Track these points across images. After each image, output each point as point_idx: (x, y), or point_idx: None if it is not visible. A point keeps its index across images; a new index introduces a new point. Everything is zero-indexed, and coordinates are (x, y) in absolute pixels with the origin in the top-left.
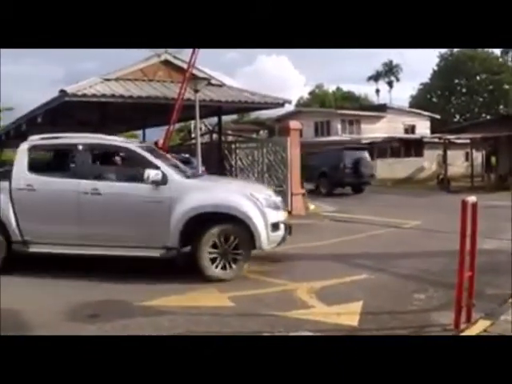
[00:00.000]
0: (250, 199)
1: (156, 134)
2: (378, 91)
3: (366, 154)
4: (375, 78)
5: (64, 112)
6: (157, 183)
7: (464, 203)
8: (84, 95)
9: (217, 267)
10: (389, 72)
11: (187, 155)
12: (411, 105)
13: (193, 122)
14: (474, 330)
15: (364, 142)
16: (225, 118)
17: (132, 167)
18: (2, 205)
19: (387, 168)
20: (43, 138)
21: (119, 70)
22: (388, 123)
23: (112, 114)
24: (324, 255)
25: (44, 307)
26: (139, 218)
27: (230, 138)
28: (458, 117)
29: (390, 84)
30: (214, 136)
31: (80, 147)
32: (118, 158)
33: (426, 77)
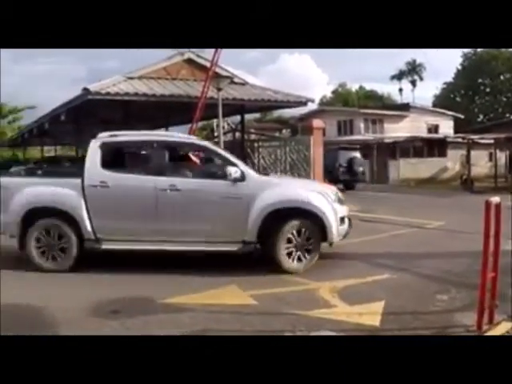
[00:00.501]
0: (322, 195)
1: (179, 132)
2: (401, 90)
3: (358, 154)
4: (398, 76)
5: (87, 110)
6: (236, 180)
7: (487, 204)
8: (107, 93)
9: (293, 260)
10: (412, 71)
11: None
12: (434, 104)
13: (215, 120)
14: (496, 332)
15: (387, 141)
16: (247, 116)
17: (208, 164)
18: (75, 202)
19: (410, 168)
20: (113, 135)
21: (142, 68)
22: (411, 123)
23: (135, 113)
24: (346, 254)
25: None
26: (218, 213)
27: (253, 137)
28: (481, 116)
29: (414, 83)
30: (237, 134)
31: (156, 144)
32: (193, 156)
33: (449, 76)
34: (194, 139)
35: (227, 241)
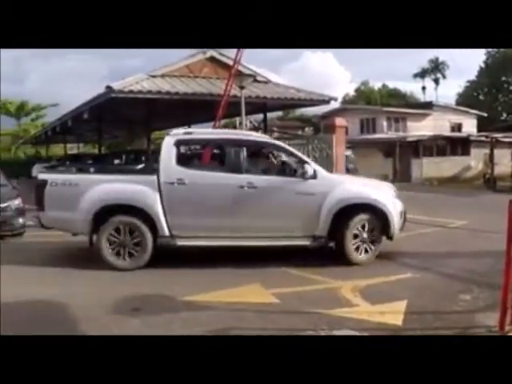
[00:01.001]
0: (384, 191)
1: None
2: (424, 88)
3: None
4: (421, 74)
5: (109, 108)
6: (309, 178)
7: (511, 203)
8: (130, 91)
9: (360, 253)
10: (435, 69)
11: None
12: (458, 102)
13: (238, 118)
14: None
15: (410, 139)
16: (270, 114)
17: (281, 162)
18: (151, 199)
19: (433, 166)
20: (187, 133)
21: (165, 66)
22: (434, 121)
23: (157, 110)
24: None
25: None
26: (291, 210)
27: (276, 135)
28: (505, 115)
29: (436, 81)
30: (260, 133)
31: (231, 142)
32: (266, 154)
33: (472, 74)
34: (266, 138)
35: (299, 236)
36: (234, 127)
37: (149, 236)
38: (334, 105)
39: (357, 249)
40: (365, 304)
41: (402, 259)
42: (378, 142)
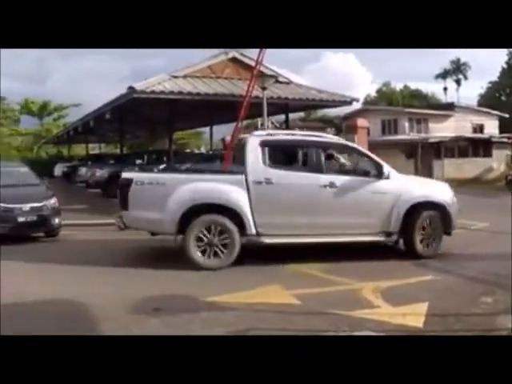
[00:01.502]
0: (446, 190)
1: (222, 131)
2: (445, 89)
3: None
4: (443, 75)
5: (132, 108)
6: (383, 178)
7: None
8: (152, 92)
9: (426, 247)
10: (457, 70)
11: None
12: (479, 103)
13: (259, 119)
14: None
15: (432, 140)
16: (292, 115)
17: (356, 163)
18: (239, 198)
19: (455, 168)
20: (269, 134)
21: (187, 67)
22: (456, 122)
23: (179, 111)
24: (390, 254)
25: None
26: (368, 208)
27: None
28: None
29: (458, 82)
30: None
31: (312, 144)
32: (337, 155)
33: (494, 75)
34: (343, 140)
35: (374, 232)
36: (256, 128)
37: (237, 235)
38: (356, 106)
39: (423, 243)
40: (386, 306)
41: (424, 261)
42: (400, 143)
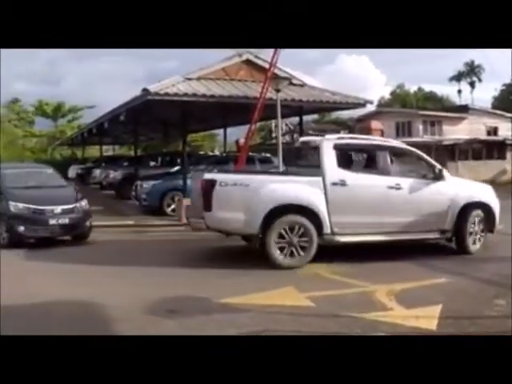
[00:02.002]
0: (491, 191)
1: (236, 134)
2: (459, 92)
3: None
4: (457, 78)
5: (146, 110)
6: (440, 179)
7: None
8: (166, 94)
9: (474, 243)
10: (471, 72)
11: (268, 155)
12: (494, 106)
13: (273, 121)
14: None
15: (446, 143)
16: (305, 117)
17: (415, 166)
18: (318, 199)
19: (469, 170)
20: (340, 138)
21: (201, 69)
22: (470, 125)
23: (193, 113)
24: (404, 257)
25: None
26: (428, 207)
27: None
28: None
29: (472, 84)
30: (295, 136)
31: (378, 148)
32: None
33: (508, 77)
34: (403, 144)
35: (432, 230)
36: (270, 130)
37: (315, 234)
38: (370, 108)
39: (471, 240)
40: (399, 308)
41: (437, 263)
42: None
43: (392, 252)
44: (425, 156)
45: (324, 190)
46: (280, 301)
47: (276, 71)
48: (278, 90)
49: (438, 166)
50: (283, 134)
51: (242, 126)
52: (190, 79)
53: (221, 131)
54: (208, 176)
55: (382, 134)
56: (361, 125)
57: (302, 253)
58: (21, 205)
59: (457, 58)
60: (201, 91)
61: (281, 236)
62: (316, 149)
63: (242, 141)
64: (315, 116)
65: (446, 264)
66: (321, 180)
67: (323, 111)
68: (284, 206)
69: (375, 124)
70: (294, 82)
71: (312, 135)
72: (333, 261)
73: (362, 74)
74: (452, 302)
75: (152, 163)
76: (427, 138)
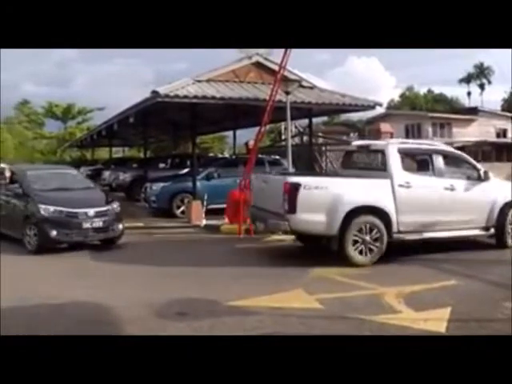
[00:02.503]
0: None
1: (246, 135)
2: (469, 94)
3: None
4: (467, 80)
5: (155, 112)
6: (485, 180)
7: None
8: (176, 96)
9: (510, 239)
10: (480, 74)
11: (277, 157)
12: (503, 108)
13: (283, 123)
14: None
15: (455, 145)
16: (315, 119)
17: (460, 168)
18: (388, 200)
19: None
20: (402, 142)
21: (210, 71)
22: (479, 127)
23: (203, 115)
24: (412, 259)
25: None
26: (476, 206)
27: (321, 141)
28: None
29: (482, 86)
30: (305, 138)
31: (437, 152)
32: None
33: None
34: (453, 149)
35: (478, 227)
36: (279, 132)
37: (385, 233)
38: (379, 110)
39: (509, 235)
40: (408, 310)
41: (446, 265)
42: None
43: (400, 254)
44: (471, 159)
45: (392, 191)
46: (289, 303)
47: (286, 73)
48: (287, 93)
49: (483, 169)
50: (293, 137)
51: (251, 128)
52: (199, 81)
53: (230, 133)
54: (293, 179)
55: (392, 137)
56: (370, 127)
57: (375, 250)
58: (52, 207)
59: (466, 59)
60: (210, 93)
61: (356, 236)
62: (378, 152)
63: (251, 143)
64: (324, 118)
65: (454, 266)
66: (389, 182)
67: (333, 113)
68: (360, 208)
69: (385, 126)
70: (304, 84)
71: (321, 137)
72: (341, 263)
73: (372, 75)
74: (461, 305)
75: (161, 165)
76: (437, 140)
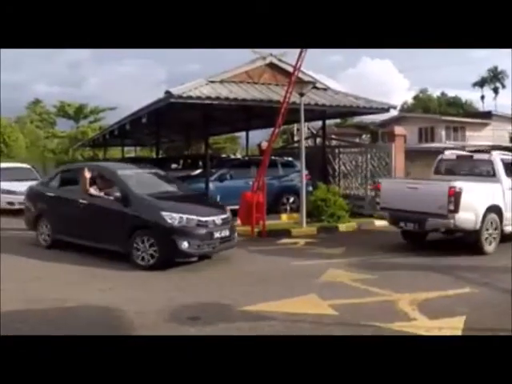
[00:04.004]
0: None
1: (258, 136)
2: (483, 98)
3: None
4: (480, 84)
5: (168, 112)
6: None
7: None
8: (189, 97)
9: None
10: (494, 78)
11: (290, 158)
12: None
13: (295, 124)
14: None
15: (468, 149)
16: (327, 121)
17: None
18: (501, 200)
19: None
20: (503, 154)
21: (224, 72)
22: (493, 131)
23: (215, 116)
24: (426, 265)
25: None
26: None
27: (334, 143)
28: None
29: (496, 90)
30: (318, 140)
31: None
32: None
33: None
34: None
35: None
36: (292, 134)
37: (499, 227)
38: (393, 112)
39: None
40: (422, 318)
41: (461, 273)
42: (437, 151)
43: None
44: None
45: (502, 193)
46: (302, 309)
47: (300, 75)
48: (301, 94)
49: None
50: (306, 138)
51: (264, 128)
52: (213, 82)
53: (242, 134)
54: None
55: (405, 140)
56: (384, 130)
57: (495, 241)
58: (179, 215)
59: (480, 63)
60: (224, 94)
61: (486, 230)
62: (484, 162)
63: (264, 144)
64: (337, 120)
65: (469, 273)
66: (500, 186)
67: (346, 116)
68: (490, 207)
69: (398, 130)
70: (318, 86)
71: (334, 139)
72: (355, 268)
73: (385, 78)
74: (476, 313)
75: (173, 165)
76: (450, 144)
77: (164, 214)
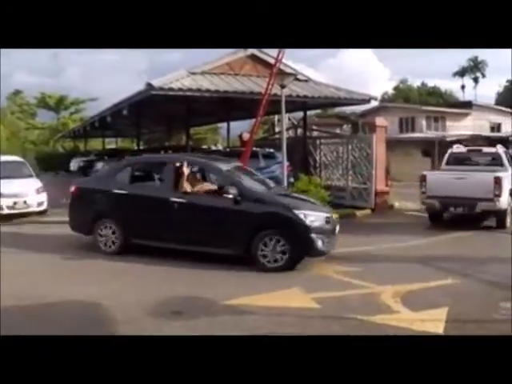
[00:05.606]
0: None
1: (239, 127)
2: (463, 87)
3: None
4: (461, 73)
5: (149, 104)
6: None
7: None
8: (170, 89)
9: None
10: (474, 68)
11: (271, 150)
12: (497, 102)
13: (277, 115)
14: None
15: (449, 139)
16: (308, 112)
17: None
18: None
19: None
20: (503, 147)
21: (205, 63)
22: (473, 121)
23: (197, 107)
24: (409, 257)
25: None
26: None
27: (315, 134)
28: None
29: (476, 80)
30: (299, 131)
31: None
32: None
33: None
34: None
35: None
36: (273, 124)
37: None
38: (373, 103)
39: None
40: (405, 311)
41: (442, 264)
42: (417, 141)
43: (395, 253)
44: None
45: (511, 179)
46: (285, 302)
47: (281, 67)
48: (283, 86)
49: None
50: (287, 129)
51: (244, 120)
52: (194, 74)
53: (223, 124)
54: (499, 174)
55: (386, 131)
56: (365, 121)
57: (510, 219)
58: (316, 214)
59: (460, 53)
60: (205, 86)
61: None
62: (491, 154)
63: (245, 135)
64: (318, 110)
65: (452, 264)
66: (509, 173)
67: (327, 107)
68: (510, 190)
69: (380, 121)
70: (299, 77)
71: (315, 130)
72: (337, 261)
73: (366, 68)
74: (458, 305)
75: None
76: (430, 134)
77: (297, 212)
